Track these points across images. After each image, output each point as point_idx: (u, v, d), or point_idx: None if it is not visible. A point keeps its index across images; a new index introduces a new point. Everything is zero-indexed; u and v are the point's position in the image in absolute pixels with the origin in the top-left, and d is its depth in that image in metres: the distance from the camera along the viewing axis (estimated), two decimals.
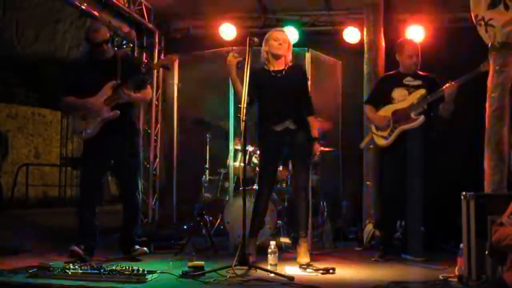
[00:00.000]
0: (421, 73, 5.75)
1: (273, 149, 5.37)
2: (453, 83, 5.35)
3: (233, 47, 6.29)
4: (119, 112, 5.32)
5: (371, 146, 6.95)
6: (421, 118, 5.53)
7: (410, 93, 5.62)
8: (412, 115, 5.56)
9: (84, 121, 5.40)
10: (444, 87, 5.39)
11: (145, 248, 5.43)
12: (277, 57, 5.34)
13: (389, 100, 5.70)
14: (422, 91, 5.57)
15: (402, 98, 5.64)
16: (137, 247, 5.42)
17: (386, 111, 5.70)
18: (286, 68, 5.37)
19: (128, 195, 5.57)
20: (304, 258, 5.14)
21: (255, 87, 5.19)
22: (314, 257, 5.46)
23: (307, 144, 5.37)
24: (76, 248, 5.21)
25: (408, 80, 5.70)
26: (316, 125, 5.48)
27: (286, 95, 5.30)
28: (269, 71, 5.37)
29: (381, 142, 5.75)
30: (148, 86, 5.66)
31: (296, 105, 5.34)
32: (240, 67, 5.08)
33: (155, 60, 8.36)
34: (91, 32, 5.43)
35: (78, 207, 5.56)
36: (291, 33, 7.56)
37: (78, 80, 5.45)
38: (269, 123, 5.34)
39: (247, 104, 5.17)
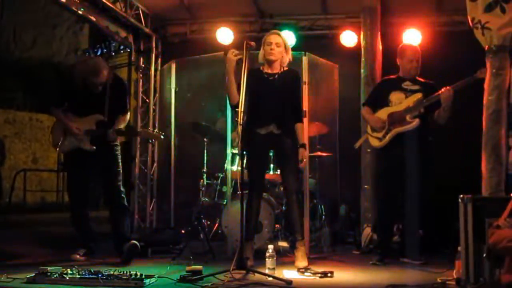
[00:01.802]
0: (421, 79, 5.75)
1: (258, 152, 5.35)
2: (448, 88, 5.35)
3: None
4: (94, 148, 5.47)
5: (368, 150, 6.97)
6: (416, 121, 5.54)
7: (407, 97, 5.63)
8: (408, 118, 5.57)
9: (63, 136, 5.57)
10: (440, 92, 5.39)
11: (133, 241, 5.43)
12: (269, 61, 5.35)
13: (386, 103, 5.72)
14: (419, 95, 5.58)
15: (398, 101, 5.65)
16: (127, 244, 5.42)
17: (382, 113, 5.71)
18: (280, 72, 5.37)
19: (110, 196, 5.66)
20: (301, 262, 5.13)
21: (247, 87, 5.20)
22: (312, 260, 5.47)
23: (293, 149, 5.34)
24: (77, 256, 5.48)
25: (407, 85, 5.70)
26: (303, 132, 5.45)
27: (273, 99, 5.28)
28: (263, 73, 5.38)
29: (375, 143, 5.77)
30: (127, 112, 5.77)
31: (283, 110, 5.30)
32: (240, 63, 5.07)
33: (152, 66, 8.37)
34: (91, 73, 5.42)
35: (70, 214, 5.71)
36: (288, 36, 7.59)
37: (69, 99, 5.60)
38: (254, 126, 5.31)
39: (236, 104, 5.19)
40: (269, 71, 5.37)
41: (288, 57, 5.42)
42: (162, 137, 5.78)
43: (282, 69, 5.38)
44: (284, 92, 5.31)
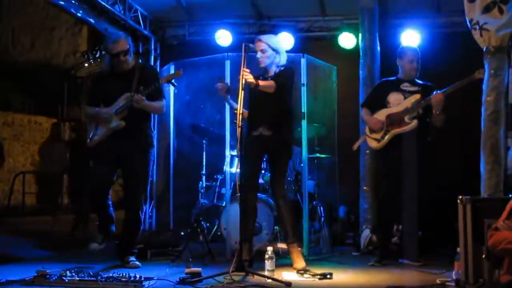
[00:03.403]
0: (419, 80, 5.76)
1: (251, 154, 5.34)
2: (439, 92, 5.36)
3: (229, 53, 6.30)
4: (124, 123, 5.30)
5: (367, 151, 6.97)
6: (414, 122, 5.54)
7: (405, 98, 5.64)
8: (406, 119, 5.57)
9: (95, 128, 5.44)
10: (431, 96, 5.40)
11: (137, 263, 5.33)
12: (264, 68, 5.37)
13: (384, 104, 5.72)
14: (417, 96, 5.58)
15: (397, 103, 5.66)
16: (131, 259, 5.36)
17: (381, 114, 5.71)
18: (274, 74, 5.35)
19: (130, 206, 5.55)
20: (299, 264, 5.12)
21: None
22: (311, 262, 5.47)
23: (282, 152, 5.37)
24: (96, 245, 5.37)
25: (405, 86, 5.71)
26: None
27: (263, 102, 5.27)
28: (260, 79, 5.38)
29: (374, 144, 5.78)
30: (163, 99, 5.59)
31: (272, 112, 5.28)
32: (230, 92, 5.29)
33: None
34: (109, 43, 5.42)
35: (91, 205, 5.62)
36: (284, 37, 7.63)
37: (98, 91, 5.51)
38: (249, 129, 5.39)
39: None
40: (266, 76, 5.39)
41: (281, 57, 5.39)
42: (181, 71, 5.55)
43: (277, 70, 5.36)
44: (275, 94, 5.21)
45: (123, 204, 5.68)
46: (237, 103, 4.96)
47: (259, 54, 5.34)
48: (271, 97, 5.22)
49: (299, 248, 5.39)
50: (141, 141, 5.50)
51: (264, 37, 5.44)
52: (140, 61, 7.90)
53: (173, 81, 5.54)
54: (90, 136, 5.47)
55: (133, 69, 5.45)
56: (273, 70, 5.37)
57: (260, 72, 5.45)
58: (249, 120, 5.41)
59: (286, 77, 5.37)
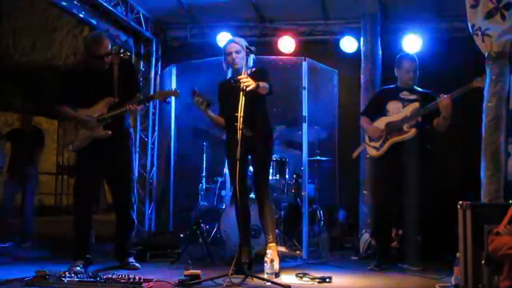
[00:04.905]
0: (418, 88, 5.76)
1: (235, 157, 5.29)
2: (445, 96, 5.35)
3: None
4: (110, 132, 5.19)
5: (367, 155, 6.97)
6: (413, 130, 5.54)
7: (404, 106, 5.64)
8: (405, 127, 5.58)
9: (75, 132, 5.27)
10: (437, 100, 5.39)
11: (137, 264, 5.31)
12: (236, 70, 5.29)
13: (384, 112, 5.73)
14: (416, 105, 5.59)
15: (396, 111, 5.67)
16: (130, 260, 5.35)
17: (380, 122, 5.72)
18: (249, 74, 5.27)
19: (120, 209, 5.49)
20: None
21: (220, 101, 5.43)
22: (310, 266, 5.47)
23: (265, 154, 5.38)
24: (77, 269, 4.93)
25: (404, 94, 5.72)
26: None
27: (245, 103, 5.17)
28: (231, 81, 5.35)
29: (373, 152, 5.79)
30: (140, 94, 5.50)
31: (253, 114, 5.15)
32: (208, 105, 5.26)
33: (152, 70, 8.39)
34: (93, 43, 5.20)
35: (73, 221, 5.34)
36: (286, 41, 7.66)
37: (74, 90, 5.28)
38: (230, 133, 5.32)
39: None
40: (236, 78, 5.31)
41: (251, 58, 5.32)
42: (178, 92, 5.46)
43: (249, 72, 5.28)
44: (251, 96, 5.04)
45: (114, 209, 5.64)
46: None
47: (234, 55, 5.29)
48: (255, 97, 5.13)
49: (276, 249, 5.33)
50: (122, 138, 5.41)
51: (237, 39, 5.45)
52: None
53: (167, 99, 5.49)
54: (69, 141, 5.32)
55: (110, 67, 5.28)
56: (244, 71, 5.28)
57: (232, 75, 5.42)
58: (230, 123, 5.19)
59: (269, 75, 5.34)
